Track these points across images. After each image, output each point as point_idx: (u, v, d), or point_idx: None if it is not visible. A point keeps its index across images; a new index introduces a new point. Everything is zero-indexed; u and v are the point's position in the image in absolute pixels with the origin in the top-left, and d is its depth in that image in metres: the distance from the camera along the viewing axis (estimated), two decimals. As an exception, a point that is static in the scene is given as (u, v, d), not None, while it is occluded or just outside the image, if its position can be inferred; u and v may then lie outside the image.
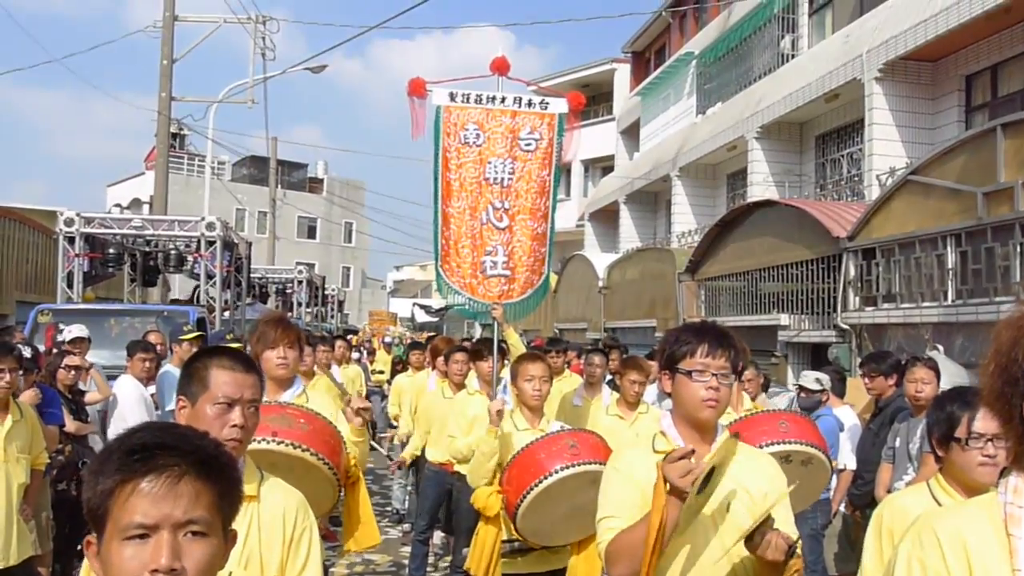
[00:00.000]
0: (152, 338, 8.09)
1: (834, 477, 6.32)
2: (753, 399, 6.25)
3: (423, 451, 7.50)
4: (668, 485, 2.26)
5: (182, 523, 1.34)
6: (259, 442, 3.11)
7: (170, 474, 1.35)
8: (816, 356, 11.56)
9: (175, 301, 16.57)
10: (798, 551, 2.37)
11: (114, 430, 6.88)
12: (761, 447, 3.83)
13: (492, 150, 5.65)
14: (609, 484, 2.61)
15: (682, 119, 22.88)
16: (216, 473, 1.40)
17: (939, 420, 2.83)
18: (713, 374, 2.54)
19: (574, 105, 5.84)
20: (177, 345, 7.84)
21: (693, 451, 2.29)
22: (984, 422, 2.72)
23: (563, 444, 4.05)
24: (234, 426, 2.29)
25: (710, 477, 2.27)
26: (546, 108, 5.78)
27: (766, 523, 2.29)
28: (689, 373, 2.55)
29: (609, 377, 8.36)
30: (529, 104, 5.77)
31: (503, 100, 5.71)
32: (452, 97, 5.66)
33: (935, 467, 2.96)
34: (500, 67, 5.74)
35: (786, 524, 2.55)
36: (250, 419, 2.35)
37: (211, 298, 13.92)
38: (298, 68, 22.43)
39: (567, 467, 3.93)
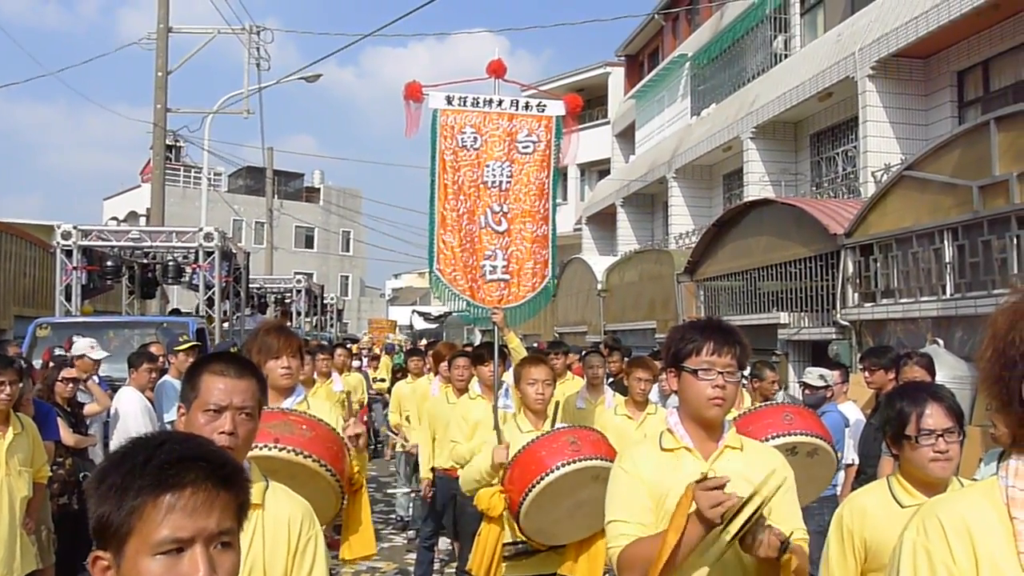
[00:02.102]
0: (153, 349, 8.06)
1: (841, 473, 6.30)
2: (768, 399, 6.23)
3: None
4: (696, 509, 2.23)
5: (215, 534, 1.35)
6: (260, 448, 3.07)
7: (205, 486, 1.35)
8: (816, 353, 11.53)
9: (174, 312, 16.52)
10: (795, 544, 2.35)
11: (117, 443, 6.83)
12: (767, 440, 3.81)
13: (490, 153, 5.63)
14: (617, 485, 2.58)
15: (677, 121, 22.88)
16: (236, 483, 1.41)
17: (890, 418, 2.82)
18: (719, 372, 2.52)
19: (572, 108, 5.82)
20: (173, 356, 7.83)
21: (728, 480, 2.26)
22: (933, 418, 2.71)
23: (563, 441, 4.03)
24: (222, 433, 2.24)
25: (739, 511, 2.24)
26: (543, 111, 5.76)
27: (757, 523, 2.27)
28: (695, 371, 2.54)
29: (611, 379, 8.35)
30: (526, 107, 5.74)
31: (500, 103, 5.68)
32: (449, 100, 5.64)
33: (892, 465, 2.95)
34: (496, 70, 5.71)
35: (793, 517, 2.54)
36: (241, 426, 2.28)
37: (210, 309, 13.88)
38: (293, 78, 22.41)
39: (568, 463, 3.90)
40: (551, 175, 5.73)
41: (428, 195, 5.61)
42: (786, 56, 17.86)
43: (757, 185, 17.30)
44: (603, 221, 28.11)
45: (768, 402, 6.00)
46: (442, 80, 5.78)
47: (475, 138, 5.64)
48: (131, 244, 14.01)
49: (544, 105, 5.79)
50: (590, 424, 5.68)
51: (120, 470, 1.36)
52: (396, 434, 9.86)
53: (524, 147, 5.70)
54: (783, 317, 12.11)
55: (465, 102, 5.66)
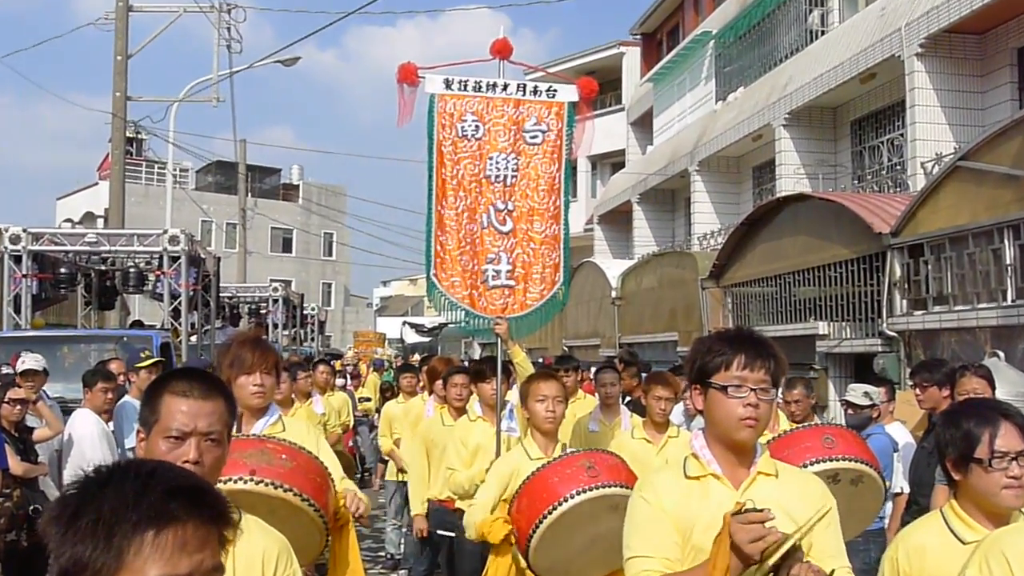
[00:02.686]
0: (113, 367, 8.06)
1: (889, 503, 6.27)
2: (800, 422, 6.20)
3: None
4: (731, 542, 2.23)
5: (209, 571, 1.36)
6: (235, 481, 3.06)
7: (204, 521, 1.37)
8: (860, 368, 11.50)
9: (135, 324, 16.53)
10: None
11: (71, 472, 6.82)
12: (805, 465, 3.79)
13: (493, 144, 5.62)
14: (637, 516, 2.57)
15: (700, 107, 22.90)
16: (227, 517, 1.43)
17: (954, 439, 2.76)
18: (751, 389, 2.50)
19: (585, 93, 5.80)
20: (134, 374, 7.83)
21: (770, 516, 2.25)
22: (1006, 439, 2.67)
23: (578, 466, 4.01)
24: (186, 462, 2.23)
25: (779, 547, 2.23)
26: (554, 96, 5.75)
27: (792, 556, 2.26)
28: (724, 388, 2.52)
29: (627, 399, 8.33)
30: (535, 92, 5.73)
31: (505, 87, 5.67)
32: (447, 84, 5.62)
33: (947, 494, 2.91)
34: (501, 50, 5.69)
35: (836, 553, 2.53)
36: (208, 453, 2.29)
37: (176, 322, 13.89)
38: (268, 61, 22.46)
39: (584, 491, 3.89)
40: (563, 168, 5.71)
41: (425, 191, 5.60)
42: (823, 33, 17.87)
43: (791, 178, 17.29)
44: (617, 220, 28.12)
45: (805, 423, 5.98)
46: (438, 62, 5.79)
47: (477, 127, 5.63)
48: (87, 249, 14.03)
49: (555, 90, 5.77)
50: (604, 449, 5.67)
51: (103, 503, 1.34)
52: (385, 462, 9.83)
53: (532, 137, 5.69)
54: (822, 327, 12.08)
55: (466, 86, 5.64)
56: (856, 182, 16.72)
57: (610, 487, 3.89)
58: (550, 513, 3.90)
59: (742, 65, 20.95)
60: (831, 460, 4.08)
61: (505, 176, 5.64)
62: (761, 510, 2.29)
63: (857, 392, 6.73)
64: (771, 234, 13.70)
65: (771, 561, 2.22)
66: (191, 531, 1.34)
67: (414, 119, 5.68)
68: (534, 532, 3.95)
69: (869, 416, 6.61)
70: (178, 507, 1.34)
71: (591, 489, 3.88)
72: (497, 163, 5.64)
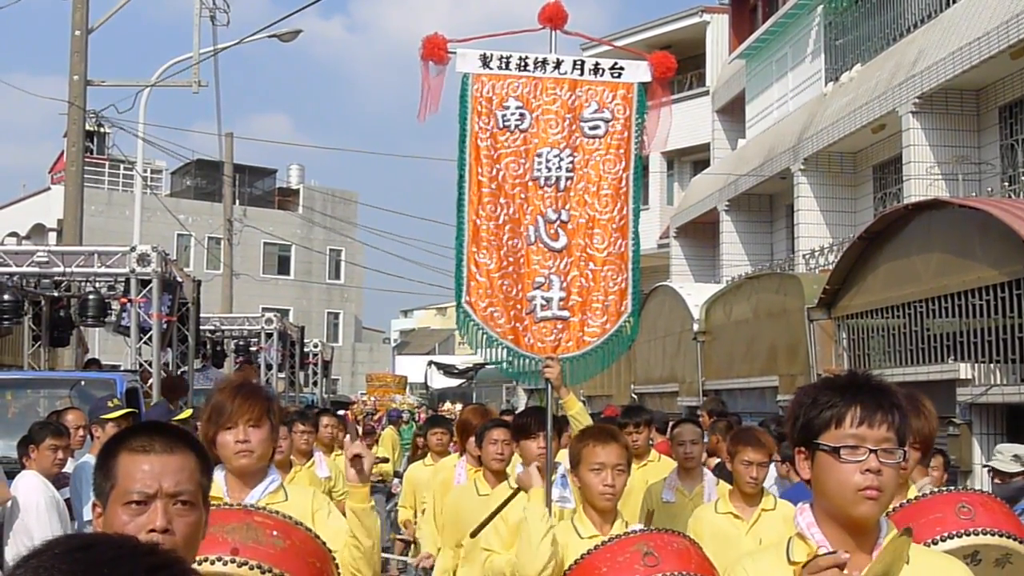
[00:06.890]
0: (69, 418, 8.14)
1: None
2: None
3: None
4: None
5: None
6: (212, 562, 3.08)
7: None
8: (1015, 422, 11.36)
9: (92, 364, 16.70)
10: None
11: (14, 549, 6.90)
12: (935, 542, 3.75)
13: (543, 137, 5.62)
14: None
15: (806, 89, 22.83)
16: None
17: None
18: (871, 450, 2.50)
19: (660, 71, 5.79)
20: (99, 427, 7.89)
21: (846, 558, 2.25)
22: None
23: (633, 552, 3.96)
24: (152, 531, 2.27)
25: None
26: (620, 76, 5.75)
27: None
28: (836, 450, 2.53)
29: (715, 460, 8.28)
30: (596, 70, 5.73)
31: (558, 65, 5.68)
32: (485, 61, 5.64)
33: None
34: (553, 16, 5.71)
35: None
36: (179, 518, 2.32)
37: (146, 361, 14.01)
38: (261, 36, 22.73)
39: None
40: (631, 168, 5.70)
41: (455, 197, 5.61)
42: (963, -5, 17.79)
43: (923, 179, 17.17)
44: (700, 233, 28.04)
45: (937, 489, 5.92)
46: (464, 35, 5.80)
47: (522, 115, 5.64)
48: (36, 271, 14.20)
49: (621, 68, 5.78)
50: (680, 525, 5.61)
51: None
52: (402, 536, 9.84)
53: (592, 128, 5.69)
54: (964, 370, 11.94)
55: (508, 64, 5.66)
56: (1007, 184, 16.55)
57: None
58: None
59: (859, 36, 20.86)
60: (968, 534, 4.01)
61: (558, 178, 5.64)
62: (835, 552, 2.29)
63: (1005, 455, 6.66)
64: (897, 251, 13.59)
65: None
66: None
67: (440, 109, 5.69)
68: None
69: (1022, 485, 6.53)
70: None
71: None
72: (548, 161, 5.63)
